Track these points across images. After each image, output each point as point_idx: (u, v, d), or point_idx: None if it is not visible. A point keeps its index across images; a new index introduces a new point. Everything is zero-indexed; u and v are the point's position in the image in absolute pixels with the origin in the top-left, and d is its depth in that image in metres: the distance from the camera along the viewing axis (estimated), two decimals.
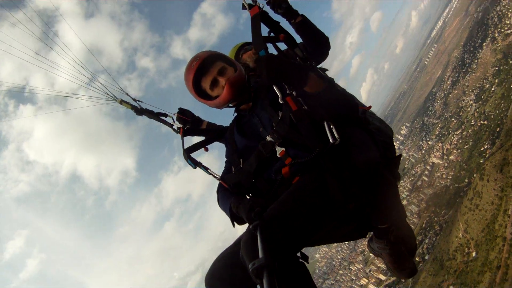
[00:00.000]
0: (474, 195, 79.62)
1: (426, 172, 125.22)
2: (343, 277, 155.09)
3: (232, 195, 2.13)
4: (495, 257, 65.36)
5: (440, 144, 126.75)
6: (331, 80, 2.13)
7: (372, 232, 2.51)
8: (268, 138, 1.96)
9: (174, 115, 2.92)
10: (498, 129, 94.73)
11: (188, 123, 2.82)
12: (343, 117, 2.04)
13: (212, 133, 2.78)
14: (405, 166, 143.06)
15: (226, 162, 2.43)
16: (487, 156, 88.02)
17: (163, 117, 3.01)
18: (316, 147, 1.79)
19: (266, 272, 1.00)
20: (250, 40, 2.15)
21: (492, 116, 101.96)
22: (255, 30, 2.08)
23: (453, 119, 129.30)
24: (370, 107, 2.54)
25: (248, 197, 2.16)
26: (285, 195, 1.74)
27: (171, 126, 2.90)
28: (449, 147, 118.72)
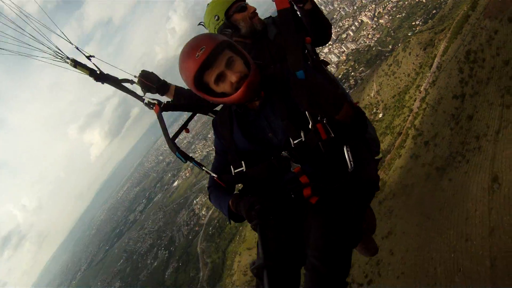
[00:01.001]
0: (394, 63, 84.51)
1: (353, 28, 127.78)
2: None
3: (228, 193, 2.08)
4: (398, 124, 70.50)
5: (373, 6, 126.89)
6: (360, 109, 1.86)
7: None
8: (284, 154, 1.85)
9: (135, 77, 2.61)
10: (434, 11, 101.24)
11: (153, 89, 2.58)
12: (357, 137, 2.08)
13: (193, 107, 2.59)
14: (334, 16, 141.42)
15: (218, 155, 2.23)
16: (415, 31, 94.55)
17: (128, 84, 2.61)
18: (341, 176, 1.83)
19: (266, 271, 1.05)
20: None
21: None
22: (290, 36, 1.72)
23: None
24: (357, 103, 2.20)
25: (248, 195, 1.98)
26: (321, 226, 1.77)
27: (141, 99, 2.53)
28: (381, 11, 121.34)
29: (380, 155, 2.63)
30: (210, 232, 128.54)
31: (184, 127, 2.48)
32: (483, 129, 42.16)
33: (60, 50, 2.41)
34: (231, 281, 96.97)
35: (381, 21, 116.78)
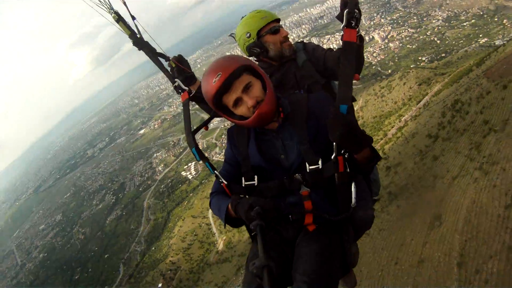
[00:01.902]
0: (386, 87, 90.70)
1: None
2: None
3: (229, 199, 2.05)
4: None
5: (389, 28, 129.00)
6: (377, 153, 1.85)
7: None
8: (297, 177, 1.96)
9: (169, 57, 2.56)
10: (443, 55, 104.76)
11: (182, 75, 2.54)
12: (364, 176, 2.22)
13: None
14: None
15: (227, 164, 2.25)
16: (418, 66, 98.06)
17: (162, 60, 2.57)
18: (345, 210, 1.90)
19: (266, 271, 1.08)
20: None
21: None
22: (348, 70, 1.68)
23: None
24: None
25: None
26: (315, 254, 1.82)
27: (173, 80, 2.49)
28: (394, 35, 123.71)
29: (379, 197, 2.65)
30: (161, 190, 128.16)
31: (206, 124, 2.45)
32: (442, 172, 44.20)
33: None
34: (168, 243, 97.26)
35: (390, 44, 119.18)
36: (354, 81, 1.69)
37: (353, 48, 1.71)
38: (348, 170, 1.82)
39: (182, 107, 2.43)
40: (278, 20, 2.71)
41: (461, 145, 46.20)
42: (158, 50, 2.54)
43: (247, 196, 1.94)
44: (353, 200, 1.86)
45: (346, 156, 1.79)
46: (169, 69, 2.61)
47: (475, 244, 30.88)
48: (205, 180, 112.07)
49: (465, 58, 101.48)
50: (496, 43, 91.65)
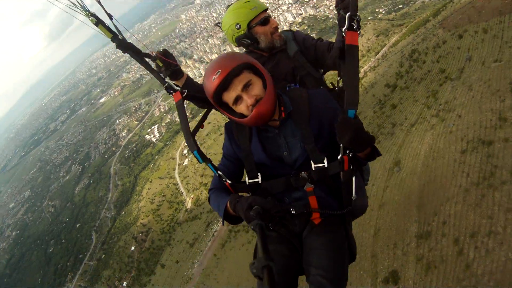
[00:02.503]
0: None
1: None
2: (199, 45, 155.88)
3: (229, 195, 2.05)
4: None
5: None
6: (377, 150, 1.91)
7: None
8: (303, 175, 2.00)
9: (153, 53, 2.37)
10: (400, 6, 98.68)
11: (169, 70, 2.39)
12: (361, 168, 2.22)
13: (207, 102, 2.37)
14: None
15: (226, 160, 2.22)
16: (375, 18, 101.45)
17: (148, 60, 2.35)
18: (348, 204, 2.00)
19: (266, 271, 1.07)
20: None
21: None
22: (352, 73, 1.69)
23: None
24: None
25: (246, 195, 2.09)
26: (327, 248, 1.93)
27: (162, 80, 2.31)
28: None
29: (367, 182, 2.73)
30: (126, 155, 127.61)
31: (202, 122, 2.39)
32: (400, 120, 45.59)
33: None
34: (138, 207, 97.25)
35: None
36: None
37: (356, 51, 1.72)
38: (351, 167, 1.88)
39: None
40: (266, 10, 2.61)
41: (419, 93, 47.56)
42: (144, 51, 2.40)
43: (246, 195, 1.99)
44: (354, 193, 1.95)
45: (350, 155, 1.83)
46: (153, 65, 2.41)
47: (433, 187, 31.94)
48: (169, 142, 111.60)
49: (422, 9, 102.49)
50: None
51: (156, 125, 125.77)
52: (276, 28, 2.62)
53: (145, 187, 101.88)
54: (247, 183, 2.13)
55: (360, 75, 70.88)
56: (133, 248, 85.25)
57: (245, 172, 2.20)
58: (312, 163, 1.99)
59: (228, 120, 2.25)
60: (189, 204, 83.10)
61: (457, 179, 30.35)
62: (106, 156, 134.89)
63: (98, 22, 2.11)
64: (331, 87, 2.62)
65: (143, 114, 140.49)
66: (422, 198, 32.20)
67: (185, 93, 2.23)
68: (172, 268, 69.01)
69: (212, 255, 60.13)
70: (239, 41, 2.62)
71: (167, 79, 2.34)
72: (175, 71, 2.46)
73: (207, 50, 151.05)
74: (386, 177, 37.54)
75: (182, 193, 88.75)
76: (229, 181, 2.14)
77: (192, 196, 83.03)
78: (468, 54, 45.51)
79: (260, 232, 1.41)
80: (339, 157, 1.88)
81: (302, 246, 2.10)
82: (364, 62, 78.05)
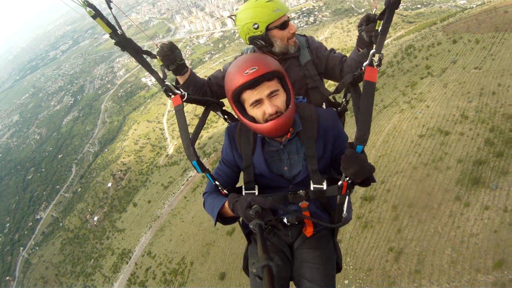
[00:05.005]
0: (354, 23, 75.27)
1: None
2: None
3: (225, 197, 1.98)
4: None
5: None
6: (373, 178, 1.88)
7: None
8: (300, 193, 2.00)
9: (157, 45, 2.25)
10: (418, 6, 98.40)
11: (174, 65, 2.28)
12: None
13: (206, 102, 2.27)
14: None
15: (225, 166, 2.16)
16: None
17: (148, 58, 2.12)
18: (339, 221, 2.02)
19: (266, 271, 1.07)
20: None
21: None
22: (367, 110, 1.65)
23: None
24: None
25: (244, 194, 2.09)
26: (319, 262, 1.99)
27: (162, 82, 2.08)
28: None
29: None
30: (120, 94, 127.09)
31: (200, 129, 2.18)
32: (376, 101, 48.41)
33: None
34: (121, 146, 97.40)
35: None
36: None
37: (373, 89, 1.70)
38: (348, 191, 1.91)
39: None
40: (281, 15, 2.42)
41: (401, 82, 51.08)
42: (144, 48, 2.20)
43: (246, 195, 1.97)
44: (345, 212, 2.01)
45: (349, 181, 1.85)
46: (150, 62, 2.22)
47: (387, 160, 35.20)
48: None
49: (437, 14, 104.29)
50: (472, 6, 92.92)
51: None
52: (294, 34, 2.46)
53: (132, 128, 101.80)
54: (243, 193, 2.09)
55: None
56: (109, 184, 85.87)
57: (241, 177, 2.16)
58: (312, 183, 2.00)
59: (229, 124, 2.28)
60: (171, 150, 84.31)
61: (409, 157, 33.67)
62: (99, 92, 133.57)
63: (97, 14, 1.87)
64: (333, 101, 2.61)
65: (144, 56, 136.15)
66: (375, 166, 35.06)
67: (185, 97, 2.04)
68: (143, 207, 70.79)
69: (182, 197, 62.09)
70: (252, 41, 2.45)
71: (167, 81, 2.10)
72: (179, 66, 2.32)
73: (220, 6, 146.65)
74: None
75: (166, 138, 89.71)
76: (225, 191, 2.08)
77: (176, 143, 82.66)
78: (454, 57, 49.25)
79: (260, 232, 1.40)
80: (339, 183, 1.88)
81: (293, 256, 2.13)
82: None
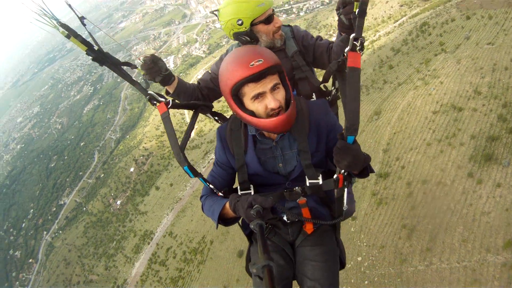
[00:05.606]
0: (369, 3, 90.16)
1: None
2: None
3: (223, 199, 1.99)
4: None
5: None
6: (370, 167, 1.87)
7: None
8: (297, 189, 1.97)
9: (139, 59, 2.20)
10: None
11: (159, 77, 2.30)
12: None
13: (194, 105, 2.29)
14: None
15: (219, 168, 2.13)
16: None
17: (127, 68, 2.20)
18: (339, 215, 2.00)
19: (267, 271, 1.07)
20: None
21: None
22: (354, 98, 1.56)
23: None
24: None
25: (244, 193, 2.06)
26: (321, 260, 1.97)
27: (145, 92, 2.13)
28: None
29: None
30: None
31: (190, 133, 2.14)
32: (392, 78, 50.26)
33: (45, 8, 1.75)
34: (143, 132, 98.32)
35: None
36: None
37: (358, 75, 1.62)
38: (345, 183, 1.87)
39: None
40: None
41: (415, 59, 51.80)
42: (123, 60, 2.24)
43: (247, 194, 1.94)
44: (345, 204, 1.96)
45: (345, 174, 1.81)
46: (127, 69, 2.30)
47: (401, 137, 36.23)
48: (182, 73, 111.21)
49: None
50: None
51: (172, 56, 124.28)
52: (279, 27, 2.43)
53: (153, 114, 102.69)
54: (239, 194, 2.05)
55: (375, 38, 75.39)
56: (132, 169, 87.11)
57: (236, 178, 2.14)
58: (307, 179, 1.97)
59: (221, 124, 2.21)
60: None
61: (424, 134, 34.39)
62: (119, 80, 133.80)
63: (70, 34, 1.87)
64: (324, 89, 2.48)
65: (161, 44, 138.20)
66: (390, 144, 36.67)
67: (170, 104, 2.06)
68: (165, 190, 72.31)
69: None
70: (237, 37, 2.42)
71: (150, 92, 2.11)
72: (166, 77, 2.32)
73: None
74: (365, 123, 42.00)
75: (187, 123, 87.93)
76: (221, 194, 2.07)
77: (196, 127, 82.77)
78: (467, 33, 49.68)
79: (260, 232, 1.38)
80: (334, 176, 1.85)
81: (294, 254, 2.09)
82: (382, 27, 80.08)
